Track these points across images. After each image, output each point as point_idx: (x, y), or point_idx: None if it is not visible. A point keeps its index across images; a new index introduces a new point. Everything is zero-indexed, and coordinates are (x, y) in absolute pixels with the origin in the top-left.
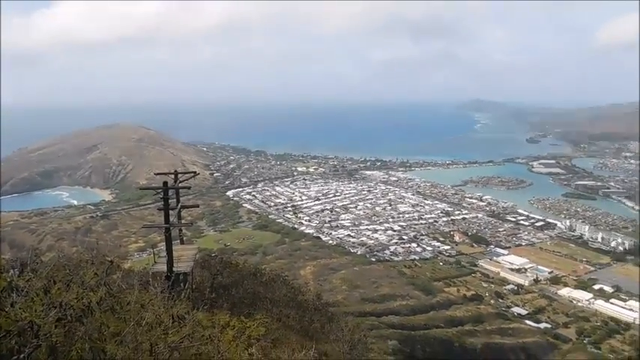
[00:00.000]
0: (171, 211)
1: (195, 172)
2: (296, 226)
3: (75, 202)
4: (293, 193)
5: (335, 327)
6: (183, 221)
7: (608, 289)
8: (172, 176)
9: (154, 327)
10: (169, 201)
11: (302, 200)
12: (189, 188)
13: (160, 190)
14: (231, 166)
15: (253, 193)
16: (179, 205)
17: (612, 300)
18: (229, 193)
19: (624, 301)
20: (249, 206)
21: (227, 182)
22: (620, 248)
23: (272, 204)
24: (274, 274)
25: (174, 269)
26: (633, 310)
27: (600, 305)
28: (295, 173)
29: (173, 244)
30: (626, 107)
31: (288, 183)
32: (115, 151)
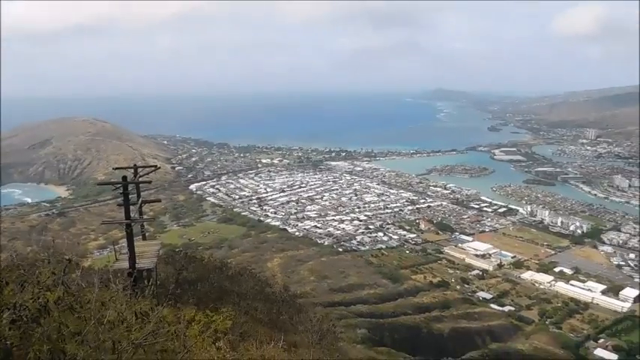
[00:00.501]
0: (132, 207)
1: (156, 166)
2: (262, 218)
3: (29, 200)
4: (258, 186)
5: (303, 318)
6: (144, 216)
7: (568, 271)
8: (132, 171)
9: (117, 325)
10: (130, 196)
11: (267, 192)
12: (149, 182)
13: (119, 185)
14: (194, 159)
15: (217, 186)
16: (140, 200)
17: (572, 281)
18: (192, 186)
19: (583, 282)
20: (213, 200)
21: (190, 176)
22: (579, 232)
23: (236, 197)
24: (241, 267)
25: (136, 266)
26: (591, 291)
27: (561, 287)
28: (259, 165)
29: (135, 241)
30: (582, 95)
31: (253, 175)
32: (70, 146)
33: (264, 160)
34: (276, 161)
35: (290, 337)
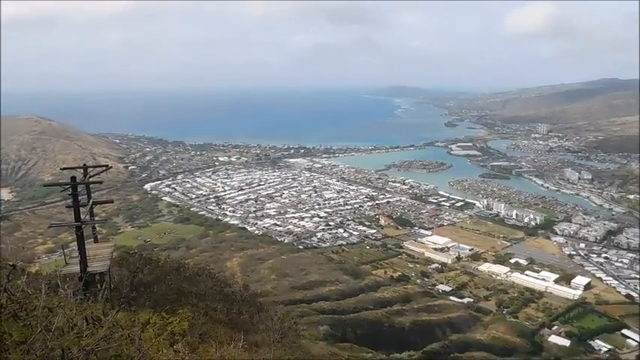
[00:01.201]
0: (82, 208)
1: (107, 166)
2: (220, 217)
3: None
4: (215, 184)
5: (264, 317)
6: (96, 218)
7: (523, 261)
8: (82, 171)
9: (66, 331)
10: (79, 197)
11: (225, 191)
12: (100, 183)
13: (67, 186)
14: (148, 158)
15: (173, 185)
16: (91, 202)
17: (527, 272)
18: (147, 186)
19: (537, 272)
20: (169, 199)
21: (144, 175)
22: (533, 223)
23: (193, 196)
24: (199, 267)
25: (88, 269)
26: (545, 280)
27: (517, 277)
28: (217, 163)
29: (86, 243)
30: (534, 92)
31: (210, 174)
32: (13, 145)
33: (221, 158)
34: (233, 159)
35: (251, 336)
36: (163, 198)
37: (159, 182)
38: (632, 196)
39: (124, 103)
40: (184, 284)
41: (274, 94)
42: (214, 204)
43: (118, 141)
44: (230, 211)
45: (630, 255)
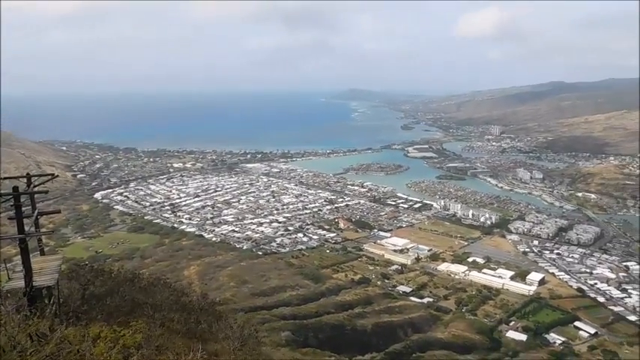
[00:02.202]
0: (26, 220)
1: (53, 174)
2: (176, 225)
3: None
4: (170, 191)
5: (224, 325)
6: (42, 230)
7: (480, 260)
8: (25, 180)
9: (8, 351)
10: (23, 208)
11: (180, 198)
12: (46, 192)
13: (9, 197)
14: (98, 165)
15: (125, 193)
16: (35, 212)
17: (484, 270)
18: (97, 195)
19: (494, 269)
20: (121, 208)
21: (94, 184)
22: (489, 222)
23: (147, 204)
24: (154, 277)
25: (34, 284)
26: (502, 277)
27: (474, 276)
28: (171, 170)
29: (32, 256)
30: (486, 94)
31: (164, 181)
32: None
33: (175, 165)
34: (188, 165)
35: (210, 345)
36: (115, 207)
37: (110, 191)
38: (580, 194)
39: (72, 108)
40: (139, 295)
41: (229, 98)
42: (169, 211)
43: (65, 148)
44: (186, 219)
45: (580, 250)
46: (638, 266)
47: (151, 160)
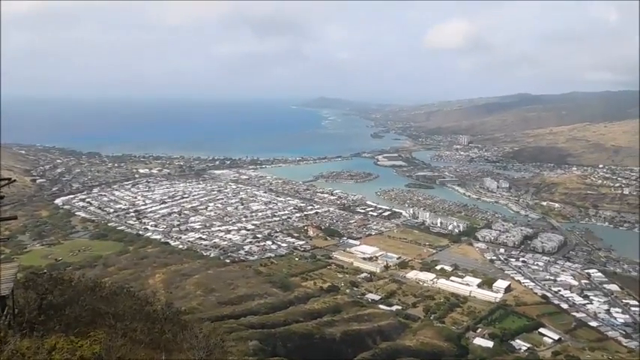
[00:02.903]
0: None
1: (9, 179)
2: (141, 232)
3: None
4: (135, 197)
5: (189, 335)
6: None
7: (448, 268)
8: None
9: None
10: None
11: (146, 204)
12: (1, 198)
13: None
14: (59, 170)
15: (88, 199)
16: None
17: (452, 277)
18: (58, 201)
19: (462, 277)
20: (83, 214)
21: (55, 189)
22: (456, 231)
23: (111, 210)
24: (117, 286)
25: None
26: (469, 285)
27: (442, 283)
28: (137, 176)
29: None
30: (455, 104)
31: (129, 186)
32: None
33: (141, 170)
34: (155, 171)
35: (174, 356)
36: (77, 213)
37: (72, 196)
38: (545, 203)
39: (32, 111)
40: (100, 304)
41: (198, 104)
42: (134, 218)
43: (24, 152)
44: (152, 226)
45: (545, 258)
46: (599, 274)
47: (116, 165)
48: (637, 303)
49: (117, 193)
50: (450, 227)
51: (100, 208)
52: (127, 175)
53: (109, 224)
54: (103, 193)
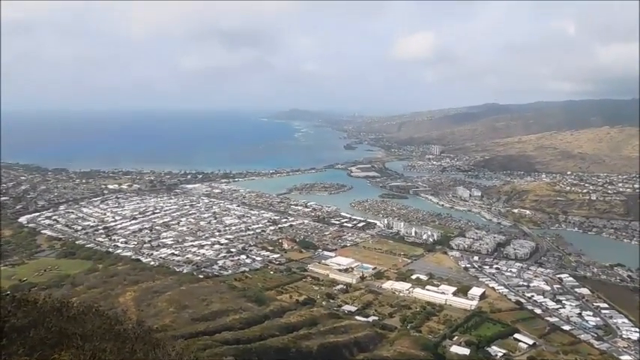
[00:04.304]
0: None
1: None
2: (110, 249)
3: None
4: (104, 214)
5: (161, 353)
6: None
7: (423, 277)
8: None
9: None
10: None
11: (116, 221)
12: None
13: None
14: (23, 187)
15: (54, 217)
16: None
17: (427, 286)
18: (22, 219)
19: (437, 286)
20: (49, 232)
21: (18, 207)
22: (431, 240)
23: (79, 227)
24: (85, 305)
25: None
26: (444, 293)
27: (418, 292)
28: (105, 192)
29: None
30: (425, 115)
31: (98, 203)
32: None
33: (110, 186)
34: (124, 186)
35: None
36: (43, 231)
37: (37, 214)
38: (516, 210)
39: None
40: (67, 325)
41: (167, 116)
42: (104, 235)
43: None
44: (122, 242)
45: (518, 264)
46: (570, 278)
47: (84, 181)
48: (607, 306)
49: (85, 209)
50: (424, 236)
51: (67, 226)
52: (96, 191)
53: (77, 242)
54: (71, 210)
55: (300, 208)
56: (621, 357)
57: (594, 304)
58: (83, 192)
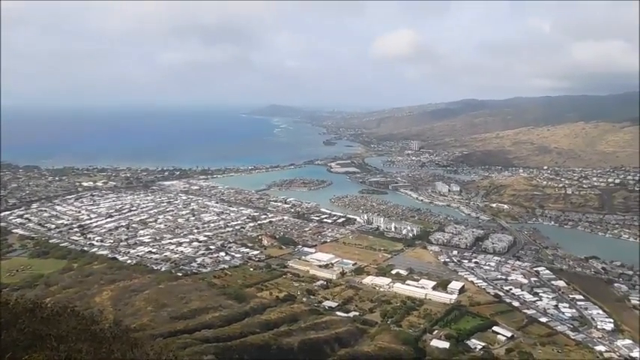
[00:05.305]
0: None
1: None
2: (86, 248)
3: None
4: (79, 212)
5: (139, 353)
6: None
7: (403, 272)
8: None
9: None
10: None
11: (91, 219)
12: None
13: None
14: None
15: (26, 215)
16: None
17: (408, 281)
18: None
19: (417, 280)
20: (21, 231)
21: None
22: (410, 235)
23: (53, 226)
24: (60, 306)
25: None
26: (424, 288)
27: (398, 287)
28: (80, 189)
29: None
30: (405, 111)
31: (72, 201)
32: None
33: (85, 184)
34: (100, 184)
35: None
36: (14, 230)
37: (8, 213)
38: (494, 205)
39: None
40: (41, 327)
41: (145, 112)
42: (78, 234)
43: None
44: (98, 241)
45: (496, 258)
46: (547, 271)
47: (57, 178)
48: (582, 297)
49: (59, 207)
50: (404, 232)
51: (40, 225)
52: (70, 188)
53: (51, 241)
54: (44, 209)
55: (279, 204)
56: (596, 347)
57: (570, 296)
58: (56, 190)
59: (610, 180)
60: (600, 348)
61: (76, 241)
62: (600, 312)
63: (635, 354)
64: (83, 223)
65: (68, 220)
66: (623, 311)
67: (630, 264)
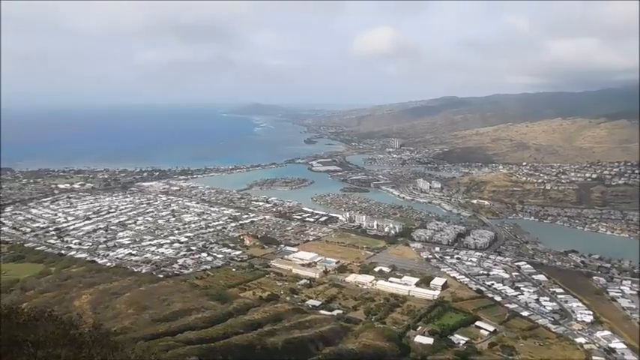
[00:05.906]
0: None
1: None
2: (63, 251)
3: None
4: (55, 215)
5: (120, 356)
6: None
7: (386, 269)
8: None
9: None
10: None
11: (68, 221)
12: None
13: None
14: None
15: (0, 219)
16: None
17: (391, 278)
18: None
19: (400, 277)
20: None
21: None
22: (393, 232)
23: (28, 230)
24: (37, 311)
25: None
26: (407, 284)
27: (382, 285)
28: (56, 191)
29: None
30: (386, 108)
31: (48, 203)
32: None
33: (61, 186)
34: (77, 186)
35: None
36: None
37: None
38: (475, 201)
39: None
40: (18, 332)
41: (123, 112)
42: (55, 237)
43: None
44: (75, 244)
45: (478, 254)
46: (528, 265)
47: (32, 181)
48: (562, 291)
49: (34, 210)
50: (386, 229)
51: (14, 228)
52: (45, 191)
53: (26, 245)
54: (18, 212)
55: (261, 203)
56: (576, 339)
57: (550, 289)
58: (31, 192)
59: (587, 175)
60: (580, 340)
61: (53, 244)
62: (580, 304)
63: (613, 344)
64: (60, 226)
65: (44, 224)
66: (602, 303)
67: (608, 257)
